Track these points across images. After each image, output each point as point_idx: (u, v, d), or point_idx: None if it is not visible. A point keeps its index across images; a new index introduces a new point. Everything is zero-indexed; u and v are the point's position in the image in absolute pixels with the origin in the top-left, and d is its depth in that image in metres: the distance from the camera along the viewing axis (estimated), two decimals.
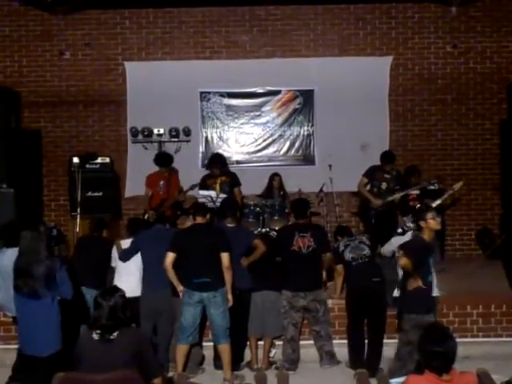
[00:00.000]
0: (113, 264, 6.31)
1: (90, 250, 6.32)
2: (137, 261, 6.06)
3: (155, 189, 7.96)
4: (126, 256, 6.14)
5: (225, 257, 5.47)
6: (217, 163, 7.88)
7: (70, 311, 4.85)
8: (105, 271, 6.31)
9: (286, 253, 6.15)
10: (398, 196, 7.58)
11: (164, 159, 8.07)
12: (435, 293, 5.70)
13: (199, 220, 5.71)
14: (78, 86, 9.50)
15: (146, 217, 7.71)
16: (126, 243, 6.30)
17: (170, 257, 5.51)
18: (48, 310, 4.60)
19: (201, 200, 7.66)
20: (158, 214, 7.36)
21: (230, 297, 5.55)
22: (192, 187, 7.77)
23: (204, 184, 7.87)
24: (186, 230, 5.90)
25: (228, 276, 5.49)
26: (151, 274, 5.91)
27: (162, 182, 7.95)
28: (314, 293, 6.00)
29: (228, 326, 5.55)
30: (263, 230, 7.80)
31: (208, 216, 5.79)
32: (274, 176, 8.50)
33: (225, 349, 5.55)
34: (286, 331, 6.03)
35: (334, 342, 6.18)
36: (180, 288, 5.56)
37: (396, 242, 6.00)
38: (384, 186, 7.81)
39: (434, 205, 6.51)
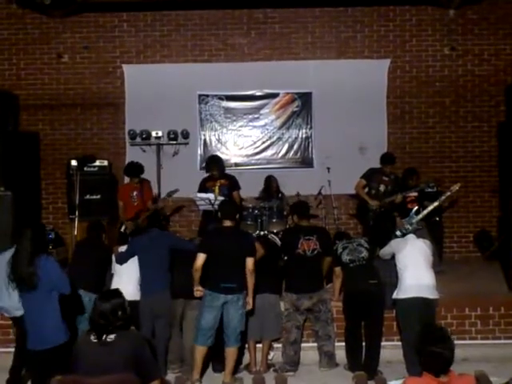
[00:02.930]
0: (112, 271, 6.30)
1: (88, 253, 6.30)
2: (136, 265, 6.05)
3: (128, 200, 7.87)
4: (121, 259, 6.15)
5: (250, 262, 5.48)
6: (214, 164, 7.88)
7: (68, 307, 4.83)
8: (104, 275, 6.29)
9: (291, 255, 6.16)
10: (399, 197, 7.56)
11: (135, 169, 7.93)
12: (434, 295, 5.70)
13: (227, 223, 5.71)
14: (76, 89, 9.49)
15: (123, 229, 7.66)
16: (123, 249, 6.32)
17: (201, 258, 5.49)
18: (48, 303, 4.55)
19: (198, 202, 7.66)
20: (136, 225, 7.31)
21: (250, 300, 5.54)
22: (169, 194, 7.70)
23: (203, 186, 7.86)
24: (214, 232, 5.90)
25: (251, 280, 5.49)
26: (149, 278, 5.89)
27: (135, 193, 7.86)
28: (318, 293, 6.02)
29: (242, 329, 5.57)
30: (261, 232, 7.77)
31: (237, 218, 5.81)
32: (270, 178, 8.51)
33: (233, 352, 5.56)
34: (289, 333, 6.02)
35: None
36: (198, 288, 5.50)
37: (395, 244, 6.00)
38: (382, 188, 7.81)
39: (431, 207, 6.52)
